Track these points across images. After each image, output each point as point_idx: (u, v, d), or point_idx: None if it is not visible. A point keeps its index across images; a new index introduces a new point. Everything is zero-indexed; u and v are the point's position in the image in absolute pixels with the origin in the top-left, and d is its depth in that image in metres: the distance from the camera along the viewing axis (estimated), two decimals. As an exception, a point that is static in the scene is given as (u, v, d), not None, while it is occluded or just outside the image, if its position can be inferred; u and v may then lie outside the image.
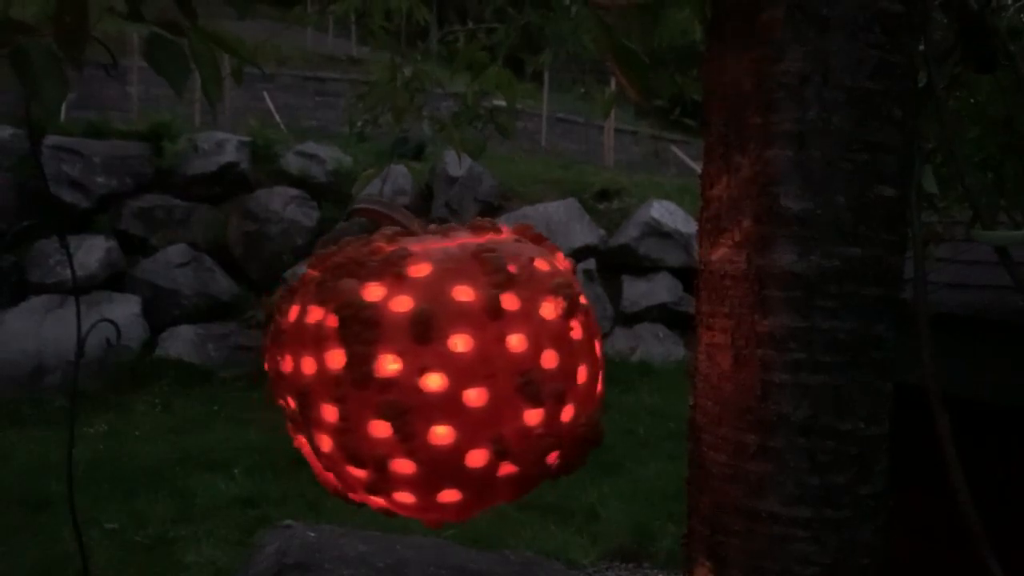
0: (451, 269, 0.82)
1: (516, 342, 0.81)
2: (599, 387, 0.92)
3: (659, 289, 8.05)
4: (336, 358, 0.80)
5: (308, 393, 0.82)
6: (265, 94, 10.85)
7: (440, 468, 0.81)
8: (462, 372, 0.79)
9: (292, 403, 0.86)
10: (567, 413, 0.85)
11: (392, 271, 0.81)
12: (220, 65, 0.92)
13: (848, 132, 0.80)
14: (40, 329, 6.20)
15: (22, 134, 6.61)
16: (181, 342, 6.72)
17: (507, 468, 0.83)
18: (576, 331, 0.87)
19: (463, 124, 2.27)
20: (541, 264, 0.88)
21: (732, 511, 0.83)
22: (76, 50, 0.77)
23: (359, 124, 2.39)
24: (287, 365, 0.85)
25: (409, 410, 0.78)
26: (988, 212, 1.21)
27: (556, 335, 0.84)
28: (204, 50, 0.83)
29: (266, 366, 0.89)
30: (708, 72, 0.88)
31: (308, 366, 0.82)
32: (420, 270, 0.81)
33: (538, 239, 0.94)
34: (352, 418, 0.80)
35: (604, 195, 8.70)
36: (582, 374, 0.87)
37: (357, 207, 0.93)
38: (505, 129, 2.32)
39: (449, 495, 0.84)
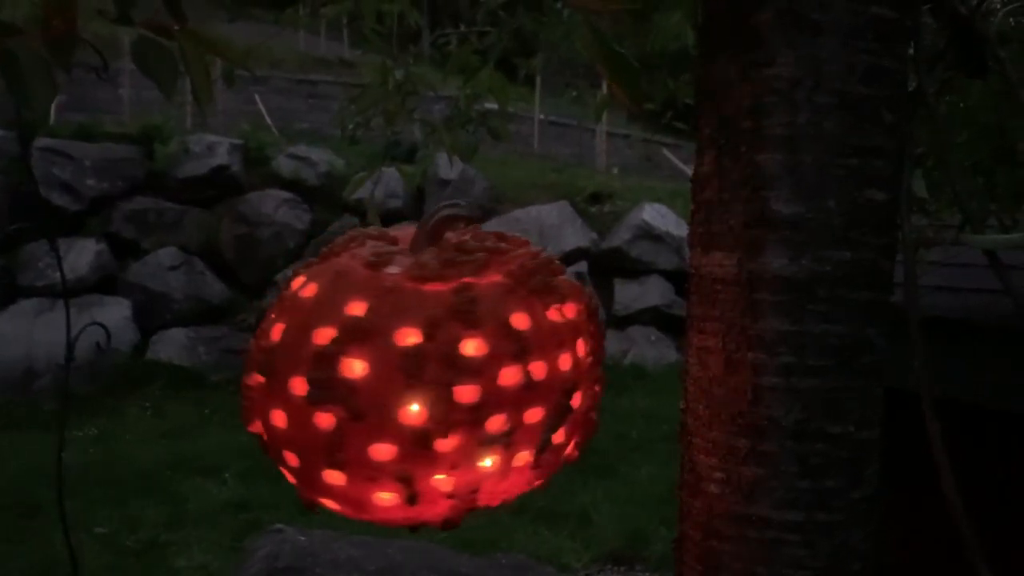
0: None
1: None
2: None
3: (651, 292, 8.06)
4: (584, 346, 0.87)
5: (574, 386, 0.84)
6: (257, 97, 10.83)
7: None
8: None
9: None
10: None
11: (562, 268, 0.91)
12: (211, 68, 0.92)
13: (839, 136, 0.80)
14: (30, 332, 6.17)
15: (12, 136, 6.58)
16: (172, 345, 6.70)
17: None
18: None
19: (455, 127, 2.27)
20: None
21: (723, 515, 0.83)
22: (65, 54, 0.77)
23: (351, 127, 2.38)
24: (540, 371, 0.82)
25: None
26: (978, 216, 1.21)
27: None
28: (194, 53, 0.83)
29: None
30: (699, 76, 0.88)
31: (568, 361, 0.84)
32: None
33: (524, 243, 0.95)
34: (595, 394, 0.88)
35: (596, 198, 8.71)
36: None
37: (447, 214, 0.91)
38: (498, 132, 2.32)
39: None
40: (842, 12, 0.80)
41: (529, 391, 0.80)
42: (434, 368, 0.76)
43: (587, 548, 4.04)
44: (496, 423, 0.79)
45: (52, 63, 0.78)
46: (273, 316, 0.84)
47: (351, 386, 0.76)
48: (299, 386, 0.78)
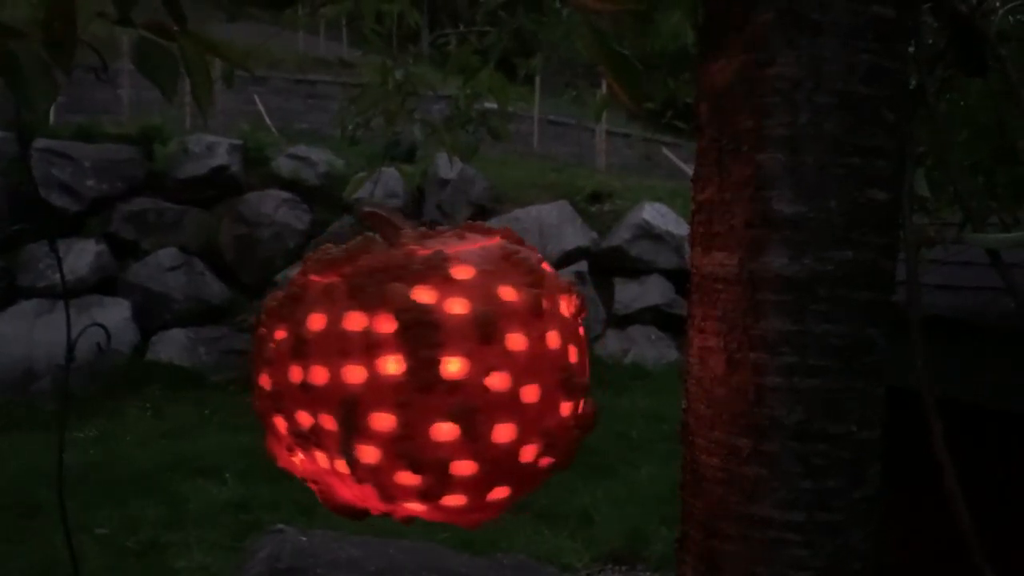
0: (490, 271, 0.84)
1: (553, 339, 0.85)
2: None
3: (651, 291, 8.06)
4: (393, 364, 0.79)
5: (354, 403, 0.80)
6: (256, 97, 10.83)
7: (499, 466, 0.83)
8: (520, 370, 0.81)
9: (312, 418, 0.83)
10: (587, 404, 0.90)
11: (438, 274, 0.82)
12: (210, 68, 0.91)
13: (840, 136, 0.80)
14: (30, 334, 6.17)
15: (11, 137, 6.58)
16: (172, 346, 6.70)
17: (547, 460, 0.86)
18: (581, 326, 0.92)
19: (455, 127, 2.27)
20: (546, 265, 0.91)
21: (725, 515, 0.83)
22: (65, 55, 0.77)
23: (351, 127, 2.38)
24: (318, 376, 0.81)
25: (476, 410, 0.80)
26: (979, 215, 1.21)
27: (574, 330, 0.89)
28: (194, 54, 0.83)
29: (263, 382, 0.86)
30: (700, 76, 0.88)
31: (354, 375, 0.80)
32: (464, 272, 0.82)
33: (519, 241, 0.94)
34: (414, 423, 0.80)
35: (596, 198, 8.71)
36: (586, 365, 0.91)
37: (368, 210, 0.93)
38: (497, 132, 2.32)
39: (500, 492, 0.86)
40: (842, 12, 0.80)
41: (311, 394, 0.81)
42: (262, 353, 0.85)
43: (588, 548, 4.04)
44: (302, 418, 0.83)
45: (52, 64, 0.78)
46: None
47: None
48: None
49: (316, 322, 0.82)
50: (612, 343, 7.69)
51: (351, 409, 0.80)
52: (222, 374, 6.55)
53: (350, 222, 7.28)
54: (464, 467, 0.82)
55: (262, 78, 11.07)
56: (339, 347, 0.80)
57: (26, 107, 0.79)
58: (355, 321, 0.81)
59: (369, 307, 0.80)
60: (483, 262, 0.84)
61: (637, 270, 8.15)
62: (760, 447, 0.81)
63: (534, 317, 0.83)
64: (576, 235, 8.09)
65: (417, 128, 2.31)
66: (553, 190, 8.64)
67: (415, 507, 0.86)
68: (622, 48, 0.95)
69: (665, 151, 12.00)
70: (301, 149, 8.12)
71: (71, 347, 1.28)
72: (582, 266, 7.91)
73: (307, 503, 4.05)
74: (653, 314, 7.97)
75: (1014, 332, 1.59)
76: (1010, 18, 1.56)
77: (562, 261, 7.77)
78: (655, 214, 8.31)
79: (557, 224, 8.06)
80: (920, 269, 0.96)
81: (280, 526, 2.94)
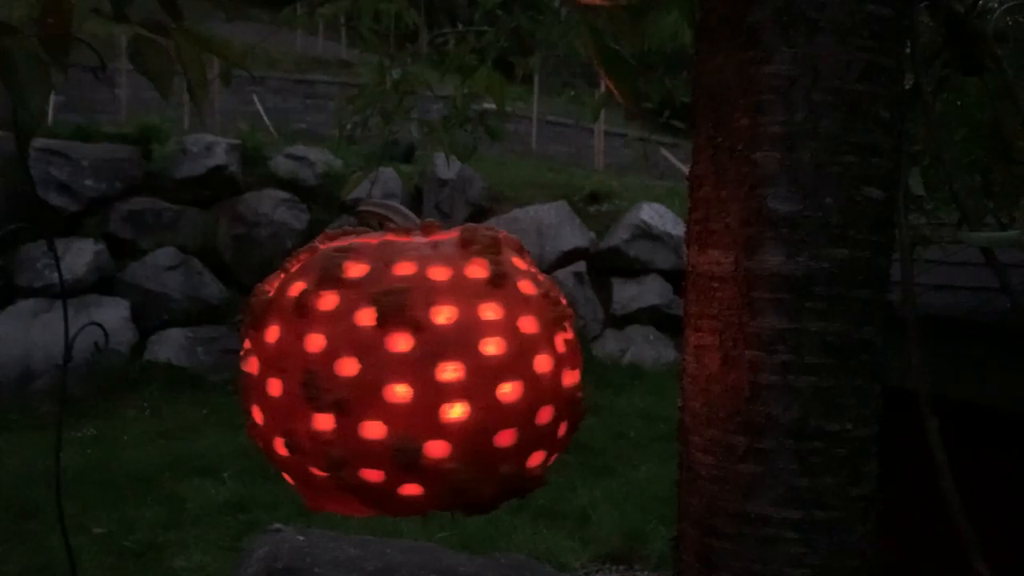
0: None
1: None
2: None
3: (649, 291, 8.06)
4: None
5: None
6: (254, 97, 10.82)
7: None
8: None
9: None
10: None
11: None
12: (208, 67, 0.91)
13: (836, 134, 0.80)
14: (28, 333, 6.16)
15: (8, 137, 6.57)
16: (170, 346, 6.69)
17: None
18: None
19: (453, 127, 2.27)
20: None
21: (722, 513, 0.83)
22: (61, 52, 0.77)
23: (348, 127, 2.38)
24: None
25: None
26: (975, 214, 1.21)
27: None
28: (190, 52, 0.83)
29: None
30: (696, 74, 0.88)
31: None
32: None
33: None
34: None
35: (594, 198, 8.70)
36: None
37: (365, 208, 0.94)
38: (495, 132, 2.32)
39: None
40: (839, 10, 0.80)
41: None
42: None
43: (586, 547, 4.04)
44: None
45: (48, 62, 0.78)
46: None
47: None
48: None
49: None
50: (610, 343, 7.69)
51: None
52: (220, 374, 6.54)
53: (350, 222, 7.27)
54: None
55: (260, 78, 11.06)
56: None
57: (22, 105, 0.79)
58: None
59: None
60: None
61: (635, 270, 8.15)
62: (756, 445, 0.81)
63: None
64: (574, 235, 8.09)
65: (414, 128, 2.30)
66: (551, 190, 8.63)
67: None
68: (619, 47, 0.95)
69: (663, 151, 12.00)
70: (299, 149, 8.11)
71: (69, 347, 1.27)
72: (580, 266, 7.90)
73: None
74: (651, 314, 7.97)
75: (1009, 331, 1.59)
76: (1008, 19, 1.56)
77: (560, 261, 7.77)
78: (653, 214, 8.31)
79: (555, 224, 8.05)
80: (916, 269, 0.97)
81: (278, 526, 2.93)
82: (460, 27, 2.47)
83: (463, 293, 0.82)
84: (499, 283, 0.83)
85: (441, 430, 0.80)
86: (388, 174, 7.59)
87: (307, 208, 7.65)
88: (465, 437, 0.80)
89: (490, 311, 0.82)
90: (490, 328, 0.81)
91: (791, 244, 0.80)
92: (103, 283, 6.85)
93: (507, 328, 0.82)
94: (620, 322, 7.92)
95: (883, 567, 0.91)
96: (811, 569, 0.81)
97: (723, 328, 0.83)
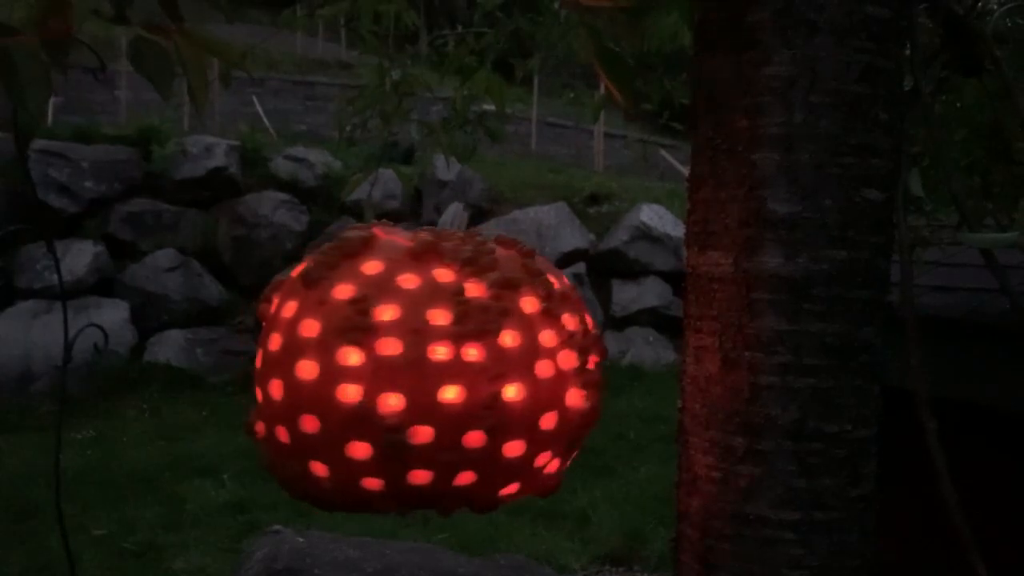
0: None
1: None
2: None
3: (649, 293, 8.06)
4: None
5: None
6: (254, 98, 10.82)
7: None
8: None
9: None
10: None
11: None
12: (208, 69, 0.91)
13: (835, 135, 0.80)
14: (27, 335, 6.16)
15: (8, 138, 6.57)
16: (170, 347, 6.69)
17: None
18: None
19: (453, 128, 2.27)
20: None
21: (721, 514, 0.83)
22: (61, 53, 0.77)
23: (348, 128, 2.38)
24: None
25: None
26: (974, 215, 1.22)
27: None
28: (190, 53, 0.83)
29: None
30: (696, 76, 0.88)
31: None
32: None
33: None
34: None
35: (594, 199, 8.70)
36: None
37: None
38: (494, 133, 2.32)
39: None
40: (838, 12, 0.80)
41: None
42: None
43: (585, 548, 4.03)
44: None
45: (48, 63, 0.78)
46: None
47: None
48: None
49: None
50: (610, 344, 7.67)
51: None
52: (220, 375, 6.54)
53: (349, 224, 7.27)
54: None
55: (260, 79, 11.06)
56: None
57: (22, 106, 0.79)
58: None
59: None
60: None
61: (635, 272, 8.14)
62: (755, 446, 0.81)
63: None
64: (574, 236, 8.09)
65: (414, 129, 2.31)
66: (551, 191, 8.63)
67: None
68: (618, 48, 0.95)
69: (663, 152, 12.00)
70: (299, 150, 8.11)
71: (68, 348, 1.27)
72: (580, 268, 7.90)
73: (304, 504, 4.04)
74: (651, 316, 7.97)
75: (1009, 332, 1.59)
76: (1007, 20, 1.56)
77: (560, 263, 7.77)
78: (653, 216, 8.31)
79: (555, 225, 8.05)
80: (916, 270, 0.97)
81: (277, 527, 2.93)
82: (460, 28, 2.47)
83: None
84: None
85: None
86: (388, 175, 7.58)
87: (307, 209, 7.65)
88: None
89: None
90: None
91: (790, 245, 0.80)
92: (103, 284, 6.85)
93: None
94: (620, 323, 7.91)
95: (883, 567, 0.91)
96: (810, 570, 0.81)
97: (722, 329, 0.83)
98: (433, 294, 0.83)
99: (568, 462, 0.93)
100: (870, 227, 0.82)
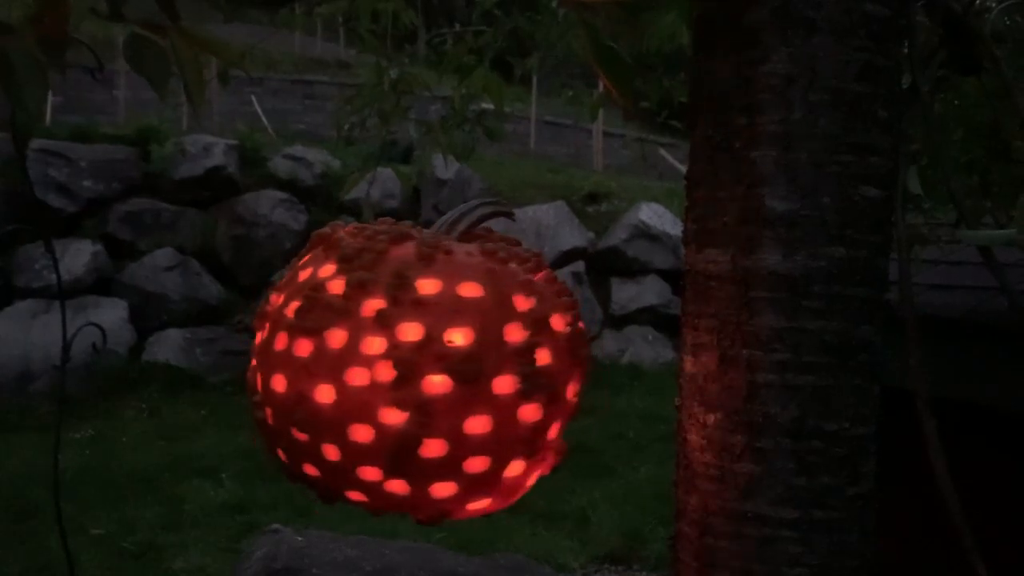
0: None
1: None
2: None
3: (648, 291, 8.06)
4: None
5: None
6: (253, 98, 10.81)
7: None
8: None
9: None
10: None
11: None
12: (207, 68, 0.91)
13: (834, 134, 0.80)
14: (26, 334, 6.15)
15: (7, 138, 6.55)
16: (169, 347, 6.69)
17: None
18: None
19: (451, 127, 2.27)
20: None
21: (719, 513, 0.83)
22: (57, 52, 0.77)
23: (346, 127, 2.38)
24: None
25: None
26: (973, 213, 1.22)
27: None
28: (187, 52, 0.83)
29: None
30: (694, 74, 0.88)
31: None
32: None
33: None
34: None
35: (593, 198, 8.71)
36: None
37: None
38: (493, 132, 2.32)
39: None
40: (836, 10, 0.80)
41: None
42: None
43: (585, 548, 4.04)
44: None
45: (45, 62, 0.78)
46: None
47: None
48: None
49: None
50: (609, 343, 7.69)
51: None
52: (219, 375, 6.54)
53: (348, 223, 7.26)
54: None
55: (259, 79, 11.05)
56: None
57: (20, 106, 0.79)
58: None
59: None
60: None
61: (634, 270, 8.15)
62: (754, 444, 0.81)
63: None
64: (573, 235, 8.09)
65: (413, 128, 2.31)
66: (550, 190, 8.63)
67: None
68: (616, 46, 0.95)
69: (662, 151, 12.00)
70: (298, 150, 8.11)
71: (67, 348, 1.27)
72: (579, 266, 7.91)
73: (304, 504, 4.05)
74: (650, 314, 7.97)
75: (1008, 331, 1.59)
76: (1005, 18, 1.56)
77: (559, 261, 7.77)
78: (652, 214, 8.32)
79: (554, 224, 8.05)
80: (914, 268, 0.97)
81: (277, 526, 2.93)
82: (458, 27, 2.47)
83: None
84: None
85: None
86: (386, 174, 7.58)
87: (306, 209, 7.65)
88: None
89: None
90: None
91: (789, 243, 0.80)
92: (101, 284, 6.84)
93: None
94: (619, 322, 7.92)
95: (883, 567, 0.91)
96: (809, 569, 0.81)
97: (721, 327, 0.83)
98: (304, 287, 0.86)
99: (425, 484, 0.84)
100: (869, 225, 0.82)
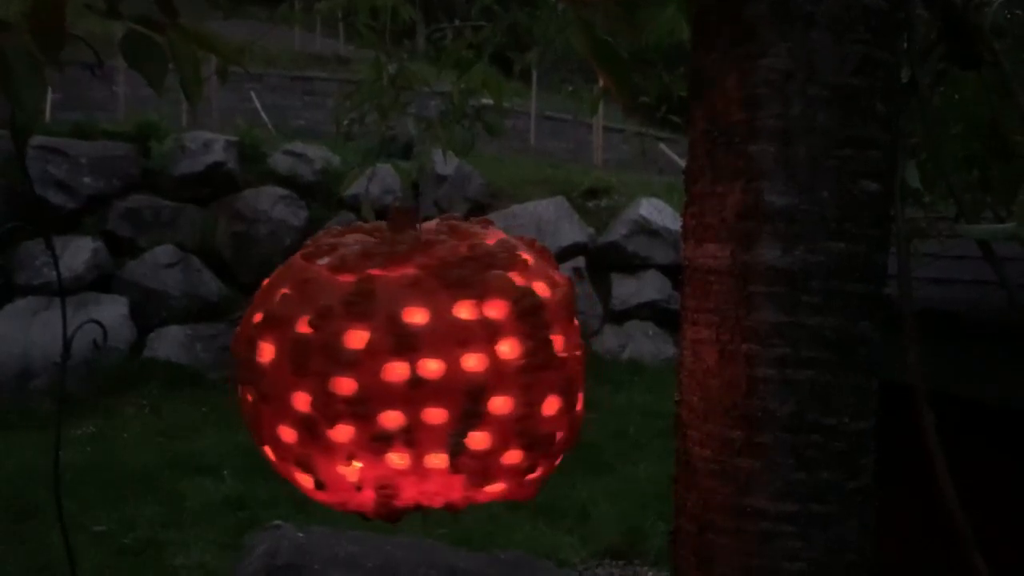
0: (537, 257, 0.92)
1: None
2: None
3: (648, 287, 8.06)
4: (509, 347, 0.82)
5: (479, 390, 0.80)
6: (252, 94, 10.81)
7: (574, 432, 0.91)
8: (576, 340, 0.90)
9: (406, 416, 0.79)
10: None
11: (518, 262, 0.87)
12: (206, 64, 0.91)
13: (832, 128, 0.80)
14: (26, 332, 6.15)
15: (6, 135, 6.54)
16: (169, 343, 6.69)
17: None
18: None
19: (451, 123, 2.27)
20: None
21: (719, 508, 0.83)
22: (54, 49, 0.76)
23: (346, 124, 2.38)
24: (431, 370, 0.79)
25: (574, 380, 0.87)
26: (973, 208, 1.21)
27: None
28: (184, 48, 0.83)
29: (328, 387, 0.79)
30: (692, 68, 0.88)
31: (474, 363, 0.80)
32: (529, 259, 0.89)
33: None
34: (532, 401, 0.83)
35: (593, 193, 8.70)
36: None
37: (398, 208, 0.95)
38: (493, 128, 2.32)
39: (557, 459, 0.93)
40: (834, 4, 0.80)
41: (420, 389, 0.79)
42: (316, 358, 0.79)
43: (585, 543, 4.05)
44: (390, 419, 0.79)
45: (41, 58, 0.78)
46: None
47: (261, 369, 0.83)
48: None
49: (415, 315, 0.80)
50: (609, 339, 7.69)
51: (476, 396, 0.80)
52: (220, 372, 6.54)
53: (348, 219, 7.27)
54: (563, 438, 0.89)
55: (258, 75, 11.05)
56: (454, 337, 0.80)
57: (17, 104, 0.79)
58: (466, 311, 0.81)
59: (476, 296, 0.82)
60: (529, 249, 0.91)
61: (634, 266, 8.15)
62: (753, 439, 0.81)
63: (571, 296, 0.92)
64: (573, 231, 8.09)
65: (412, 124, 2.30)
66: (550, 186, 8.63)
67: (496, 488, 0.87)
68: (615, 43, 0.95)
69: (662, 146, 11.99)
70: (297, 146, 8.11)
71: (67, 345, 1.27)
72: (579, 262, 7.91)
73: (304, 500, 4.04)
74: (650, 310, 7.97)
75: (1007, 326, 1.59)
76: (1006, 12, 1.56)
77: (559, 257, 7.72)
78: (652, 210, 8.31)
79: (554, 220, 8.05)
80: (914, 263, 0.97)
81: (278, 523, 2.94)
82: (457, 22, 2.47)
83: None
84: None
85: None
86: (386, 171, 7.57)
87: (306, 205, 7.65)
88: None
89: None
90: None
91: (787, 238, 0.80)
92: (102, 281, 6.84)
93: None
94: (619, 317, 7.92)
95: (883, 567, 0.91)
96: (808, 563, 0.81)
97: (720, 322, 0.83)
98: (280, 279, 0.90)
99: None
100: (868, 220, 0.82)
